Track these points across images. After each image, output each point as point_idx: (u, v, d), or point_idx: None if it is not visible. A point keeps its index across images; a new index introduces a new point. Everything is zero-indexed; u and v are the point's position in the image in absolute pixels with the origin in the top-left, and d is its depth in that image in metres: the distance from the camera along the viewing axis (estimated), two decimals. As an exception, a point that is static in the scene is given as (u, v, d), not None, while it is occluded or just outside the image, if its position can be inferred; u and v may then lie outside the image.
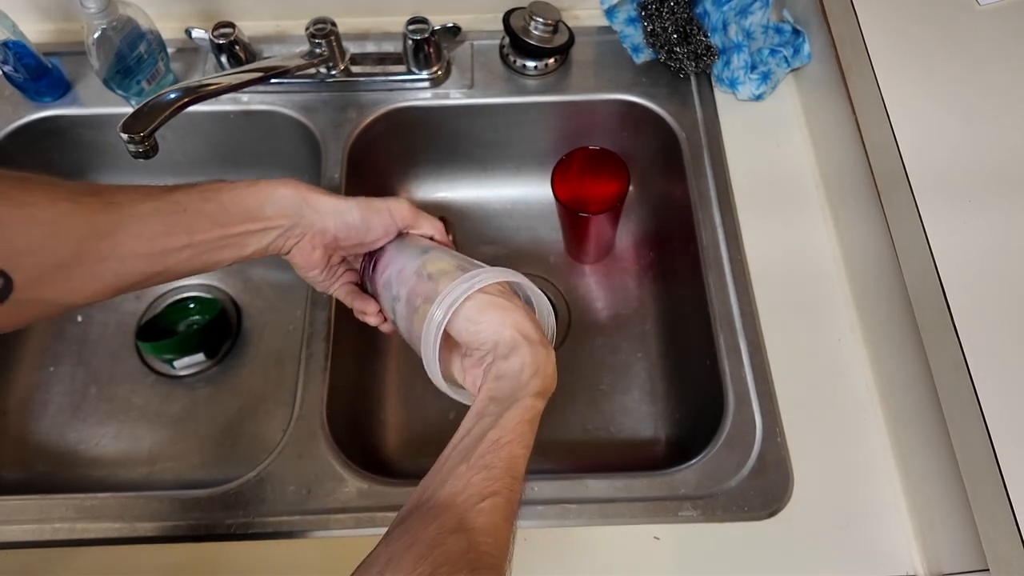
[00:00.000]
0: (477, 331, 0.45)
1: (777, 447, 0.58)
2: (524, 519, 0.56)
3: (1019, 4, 0.61)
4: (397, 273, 0.50)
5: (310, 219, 0.49)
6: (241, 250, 0.47)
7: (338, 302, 0.65)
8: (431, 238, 0.53)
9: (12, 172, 0.38)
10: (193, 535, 0.56)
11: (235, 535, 0.56)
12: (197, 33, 0.72)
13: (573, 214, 0.69)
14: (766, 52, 0.73)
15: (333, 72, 0.74)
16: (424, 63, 0.75)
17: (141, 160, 0.60)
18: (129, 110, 0.59)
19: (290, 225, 0.48)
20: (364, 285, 0.55)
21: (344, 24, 0.73)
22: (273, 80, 0.71)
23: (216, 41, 0.71)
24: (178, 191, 0.45)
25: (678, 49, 0.73)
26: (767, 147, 0.73)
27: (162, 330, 0.78)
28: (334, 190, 0.70)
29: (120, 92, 0.72)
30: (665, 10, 0.72)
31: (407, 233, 0.53)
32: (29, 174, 0.39)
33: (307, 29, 0.70)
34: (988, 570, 0.46)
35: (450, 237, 0.54)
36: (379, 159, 0.79)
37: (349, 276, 0.56)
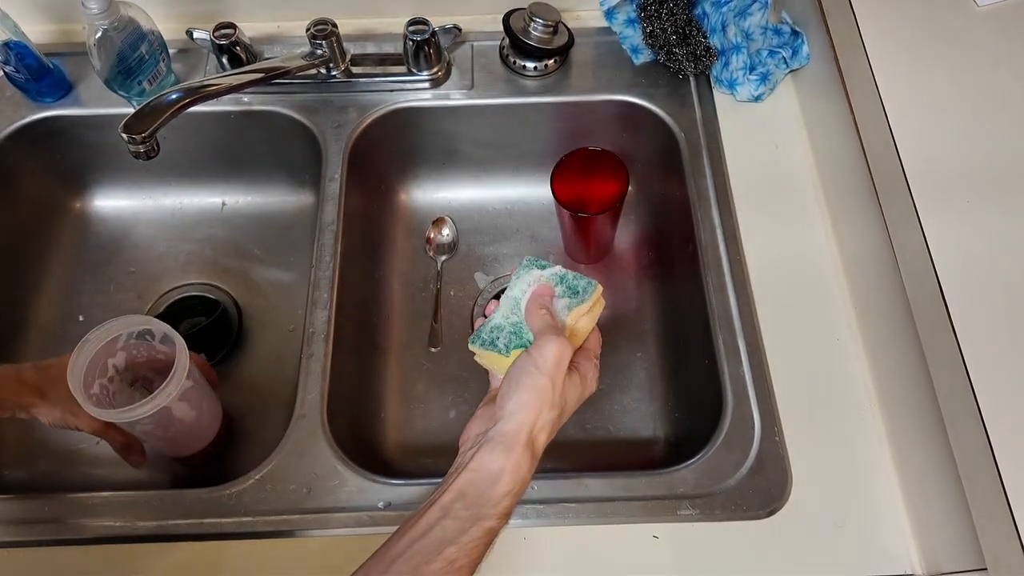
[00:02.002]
0: (502, 390, 0.42)
1: (775, 446, 0.58)
2: (524, 518, 0.56)
3: (1017, 5, 0.62)
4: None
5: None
6: None
7: (338, 302, 0.66)
8: None
9: None
10: (193, 534, 0.56)
11: (235, 534, 0.56)
12: (198, 34, 0.73)
13: (573, 214, 0.69)
14: (765, 53, 0.74)
15: (334, 73, 0.75)
16: (424, 64, 0.75)
17: (142, 160, 0.61)
18: (130, 111, 0.60)
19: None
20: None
21: (345, 25, 0.73)
22: (274, 81, 0.71)
23: (217, 42, 0.71)
24: None
25: (677, 50, 0.73)
26: (766, 148, 0.73)
27: (163, 330, 0.78)
28: (335, 190, 0.71)
29: (121, 93, 0.72)
30: (664, 11, 0.73)
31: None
32: None
33: (308, 30, 0.70)
34: (986, 569, 0.46)
35: None
36: (379, 159, 0.79)
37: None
